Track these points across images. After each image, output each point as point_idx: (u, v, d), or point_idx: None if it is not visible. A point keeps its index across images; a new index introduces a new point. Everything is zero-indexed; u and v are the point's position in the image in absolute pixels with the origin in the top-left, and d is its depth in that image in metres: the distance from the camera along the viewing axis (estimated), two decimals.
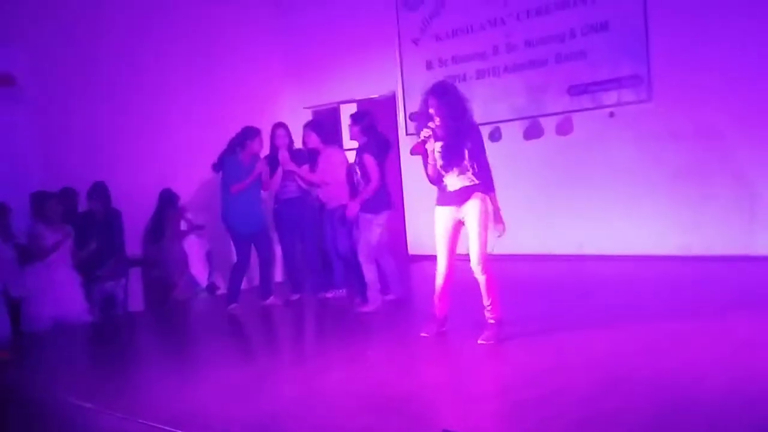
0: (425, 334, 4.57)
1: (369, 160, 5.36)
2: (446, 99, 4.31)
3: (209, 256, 7.74)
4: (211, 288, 7.72)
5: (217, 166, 5.92)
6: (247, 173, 5.83)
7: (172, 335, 5.99)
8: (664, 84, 6.65)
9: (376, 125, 5.60)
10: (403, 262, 8.26)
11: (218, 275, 8.01)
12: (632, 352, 3.90)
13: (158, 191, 7.31)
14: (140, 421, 3.42)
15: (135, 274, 7.24)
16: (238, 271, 5.92)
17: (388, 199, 5.49)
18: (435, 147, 4.35)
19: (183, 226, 7.52)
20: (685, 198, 6.65)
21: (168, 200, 7.39)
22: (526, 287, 6.14)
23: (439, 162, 4.34)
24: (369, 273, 5.42)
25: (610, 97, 6.99)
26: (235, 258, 6.14)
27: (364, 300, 5.53)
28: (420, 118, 4.55)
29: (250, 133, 5.77)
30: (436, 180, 4.42)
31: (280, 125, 6.14)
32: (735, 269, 6.01)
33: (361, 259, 5.43)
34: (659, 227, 6.79)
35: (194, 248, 7.55)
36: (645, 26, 6.68)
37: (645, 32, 6.68)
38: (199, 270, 7.55)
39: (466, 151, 4.28)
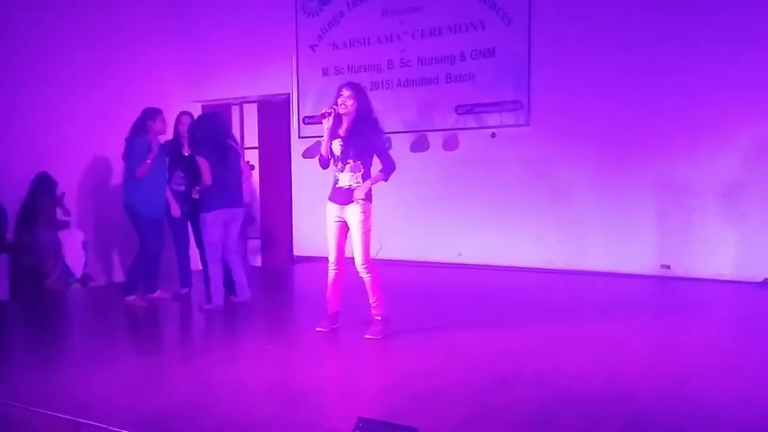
0: (321, 329, 4.71)
1: (200, 160, 5.53)
2: (359, 94, 4.55)
3: (86, 246, 7.45)
4: (85, 279, 7.44)
5: (125, 153, 5.75)
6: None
7: (50, 325, 5.71)
8: (541, 111, 7.25)
9: (221, 129, 5.78)
10: (289, 263, 8.40)
11: (94, 267, 7.73)
12: (515, 352, 4.27)
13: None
14: (32, 409, 3.31)
15: (2, 261, 6.85)
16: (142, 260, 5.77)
17: (220, 198, 5.56)
18: (334, 143, 4.54)
19: (59, 214, 7.21)
20: (552, 217, 7.28)
21: (43, 185, 7.06)
22: (409, 291, 6.45)
23: (336, 152, 4.54)
24: (211, 270, 5.59)
25: (493, 119, 7.51)
26: (129, 248, 5.96)
27: (208, 298, 5.69)
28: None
29: (150, 114, 5.67)
30: (324, 163, 4.62)
31: (186, 113, 6.10)
32: (592, 282, 6.70)
33: (206, 256, 5.63)
34: (529, 242, 7.38)
35: (70, 237, 7.25)
36: (528, 56, 7.25)
37: (528, 62, 7.26)
38: (74, 260, 7.25)
39: (359, 151, 4.48)
